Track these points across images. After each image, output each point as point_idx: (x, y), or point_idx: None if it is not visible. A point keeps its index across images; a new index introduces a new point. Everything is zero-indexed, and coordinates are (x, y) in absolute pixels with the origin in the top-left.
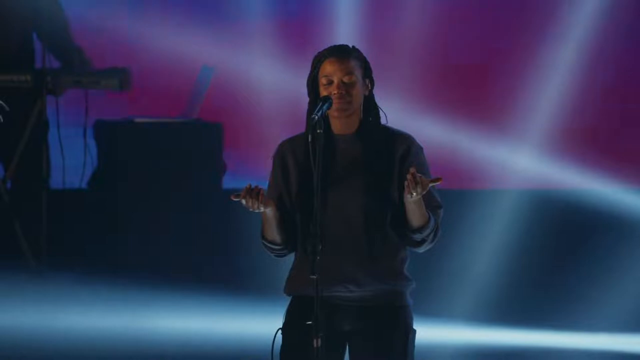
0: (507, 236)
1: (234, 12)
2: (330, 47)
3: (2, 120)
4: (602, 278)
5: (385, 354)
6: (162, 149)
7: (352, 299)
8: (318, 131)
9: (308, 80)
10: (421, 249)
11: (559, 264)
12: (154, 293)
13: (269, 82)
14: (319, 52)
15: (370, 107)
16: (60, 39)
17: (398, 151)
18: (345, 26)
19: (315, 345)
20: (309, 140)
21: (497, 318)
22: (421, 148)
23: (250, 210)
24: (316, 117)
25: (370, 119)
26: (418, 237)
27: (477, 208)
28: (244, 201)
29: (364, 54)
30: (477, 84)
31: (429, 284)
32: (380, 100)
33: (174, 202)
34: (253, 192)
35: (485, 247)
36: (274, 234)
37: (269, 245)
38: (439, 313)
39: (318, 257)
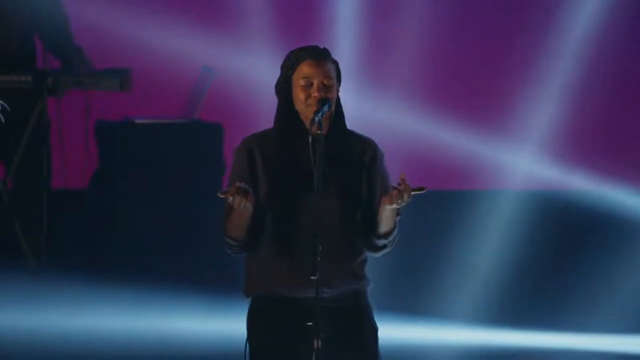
0: (507, 237)
1: (234, 11)
2: (305, 48)
3: (3, 120)
4: (603, 279)
5: (358, 353)
6: (163, 149)
7: (322, 300)
8: (318, 132)
9: (280, 81)
10: (379, 254)
11: (560, 264)
12: (154, 293)
13: (268, 82)
14: (292, 53)
15: (338, 111)
16: (60, 38)
17: (366, 156)
18: (345, 25)
19: (315, 346)
20: (309, 141)
21: (498, 319)
22: (383, 154)
23: (235, 207)
24: (317, 118)
25: (339, 122)
26: (381, 242)
27: (478, 209)
28: (231, 198)
29: (364, 53)
30: (479, 84)
31: (430, 284)
32: (381, 100)
33: (174, 203)
34: (241, 191)
35: (486, 247)
36: (239, 230)
37: (231, 242)
38: (439, 314)
39: (319, 259)
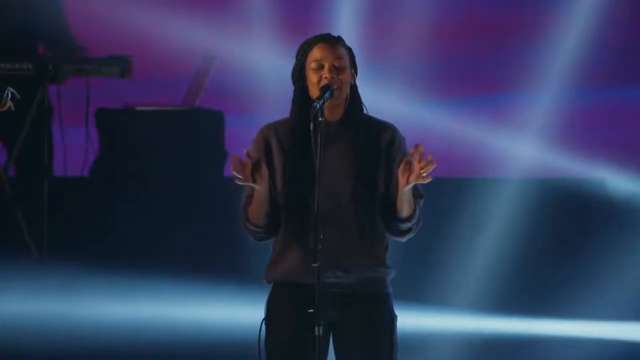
0: (510, 225)
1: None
2: (317, 34)
3: (13, 108)
4: (606, 267)
5: (373, 342)
6: (164, 137)
7: (338, 286)
8: (320, 119)
9: (295, 68)
10: (404, 238)
11: (563, 252)
12: (155, 282)
13: (270, 69)
14: (305, 40)
15: (354, 96)
16: (63, 46)
17: (383, 140)
18: (347, 13)
19: (316, 334)
20: (311, 128)
21: (500, 307)
22: (404, 138)
23: (239, 181)
24: (318, 105)
25: (355, 107)
26: (405, 226)
27: (481, 196)
28: (237, 174)
29: (366, 41)
30: (483, 71)
31: (432, 272)
32: (384, 88)
33: (175, 190)
34: (252, 164)
35: (489, 235)
36: (260, 216)
37: (251, 227)
38: (441, 301)
39: (320, 246)
